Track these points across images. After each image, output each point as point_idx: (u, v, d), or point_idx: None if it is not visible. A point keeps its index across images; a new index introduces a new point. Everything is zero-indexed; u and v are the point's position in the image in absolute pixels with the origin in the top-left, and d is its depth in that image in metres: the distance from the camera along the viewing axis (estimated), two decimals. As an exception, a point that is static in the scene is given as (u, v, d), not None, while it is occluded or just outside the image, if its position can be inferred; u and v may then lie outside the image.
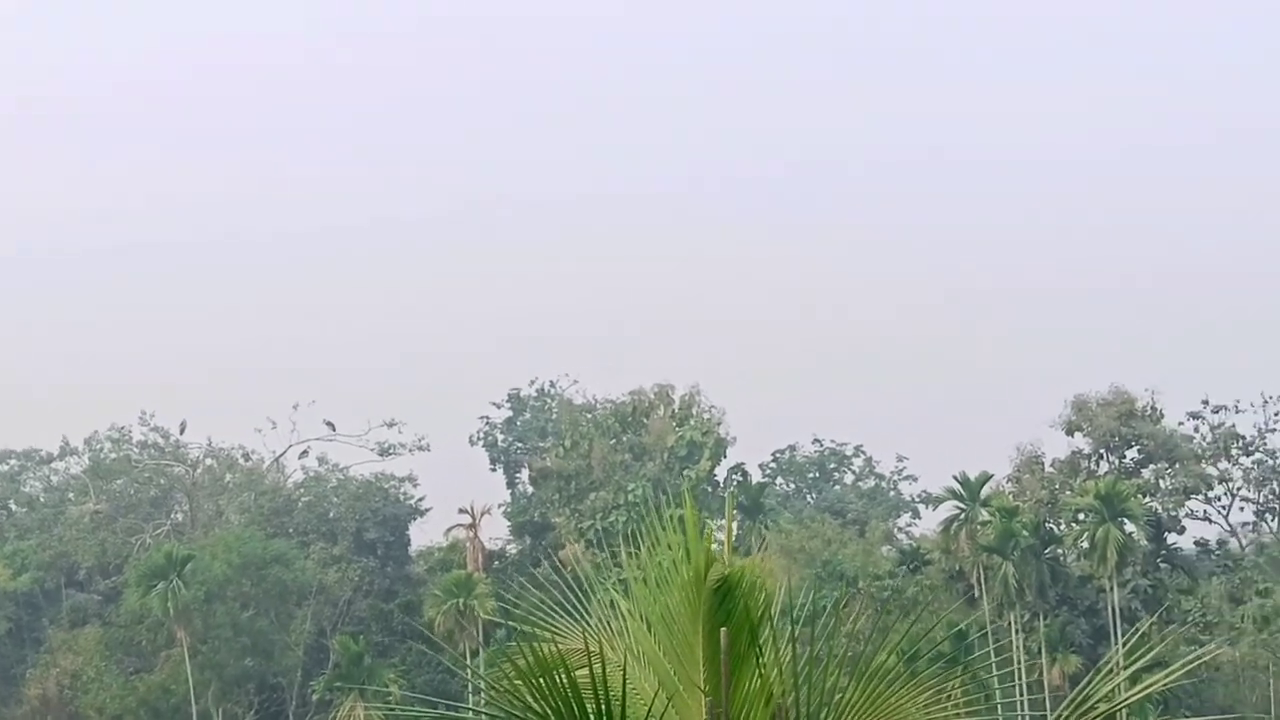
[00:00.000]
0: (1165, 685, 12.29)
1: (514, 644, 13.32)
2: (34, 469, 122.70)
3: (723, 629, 12.95)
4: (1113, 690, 12.16)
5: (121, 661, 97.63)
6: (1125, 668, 12.30)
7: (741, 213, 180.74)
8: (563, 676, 11.94)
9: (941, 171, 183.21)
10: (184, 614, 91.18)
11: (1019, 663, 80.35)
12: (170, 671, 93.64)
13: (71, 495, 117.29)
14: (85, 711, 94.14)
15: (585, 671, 12.45)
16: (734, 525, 13.85)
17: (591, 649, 14.58)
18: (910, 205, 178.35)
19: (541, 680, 11.78)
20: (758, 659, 13.26)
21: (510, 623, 15.31)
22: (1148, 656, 12.93)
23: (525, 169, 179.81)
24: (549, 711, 11.67)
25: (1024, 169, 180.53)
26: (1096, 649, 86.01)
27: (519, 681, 12.37)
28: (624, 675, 12.62)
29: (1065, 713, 12.25)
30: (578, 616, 14.61)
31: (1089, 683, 12.25)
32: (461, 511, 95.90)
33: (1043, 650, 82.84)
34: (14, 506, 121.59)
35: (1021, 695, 78.91)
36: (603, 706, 12.02)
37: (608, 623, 14.41)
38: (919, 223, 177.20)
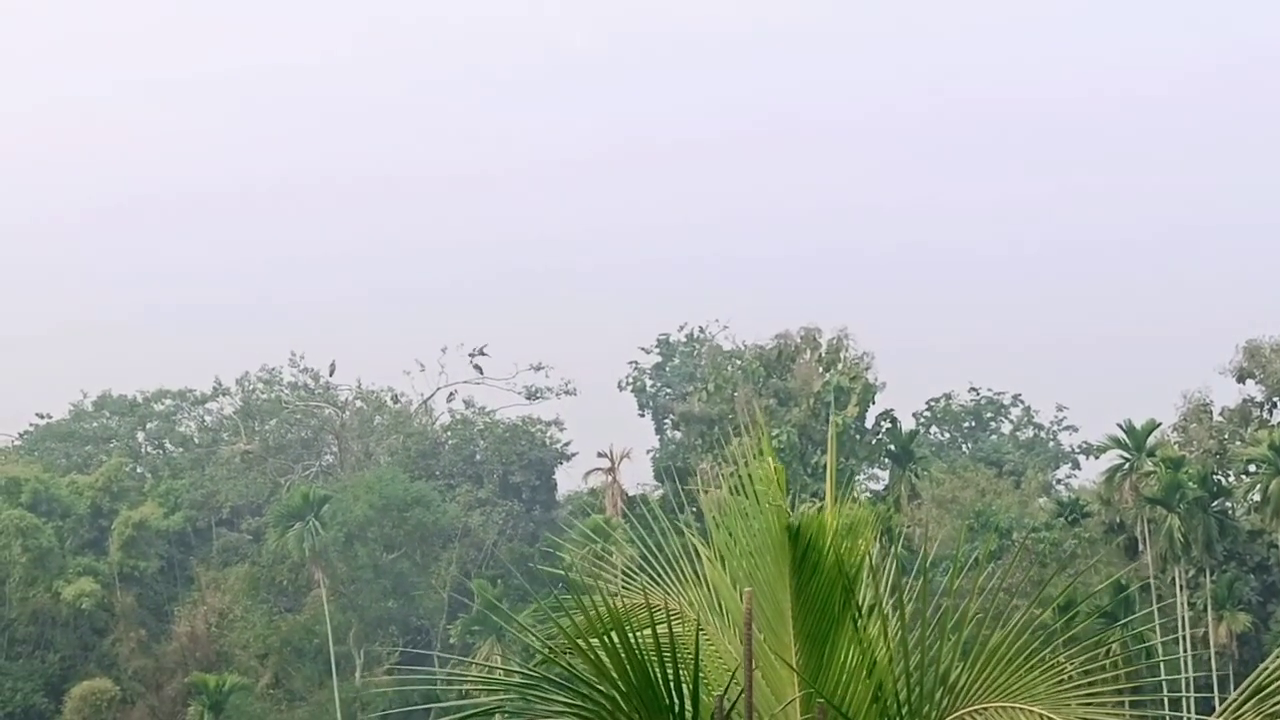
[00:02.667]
0: None
1: (569, 596, 11.37)
2: (188, 409, 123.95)
3: (747, 590, 10.68)
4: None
5: (268, 601, 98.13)
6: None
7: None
8: (616, 637, 9.96)
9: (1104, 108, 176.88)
10: (322, 555, 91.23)
11: (1183, 620, 76.96)
12: (314, 612, 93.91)
13: (225, 435, 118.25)
14: (231, 649, 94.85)
15: (662, 630, 10.75)
16: (837, 468, 11.76)
17: (668, 606, 12.67)
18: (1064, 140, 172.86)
19: (601, 640, 10.01)
20: (855, 622, 11.06)
21: (601, 575, 13.41)
22: None
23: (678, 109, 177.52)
24: (604, 675, 9.99)
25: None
26: (1266, 607, 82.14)
27: (579, 641, 10.31)
28: (696, 636, 10.52)
29: (1240, 699, 10.10)
30: (658, 569, 12.68)
31: (1270, 665, 10.03)
32: (601, 455, 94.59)
33: (1209, 607, 79.14)
34: (169, 446, 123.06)
35: (1186, 654, 75.53)
36: (669, 672, 9.94)
37: (695, 578, 12.43)
38: (1076, 159, 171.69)
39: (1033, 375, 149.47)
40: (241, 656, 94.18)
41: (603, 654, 9.90)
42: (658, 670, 9.84)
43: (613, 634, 9.89)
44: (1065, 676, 10.83)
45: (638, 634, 10.16)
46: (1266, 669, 10.16)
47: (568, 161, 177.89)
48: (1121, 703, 11.04)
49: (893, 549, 12.03)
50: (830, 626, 11.03)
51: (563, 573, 13.81)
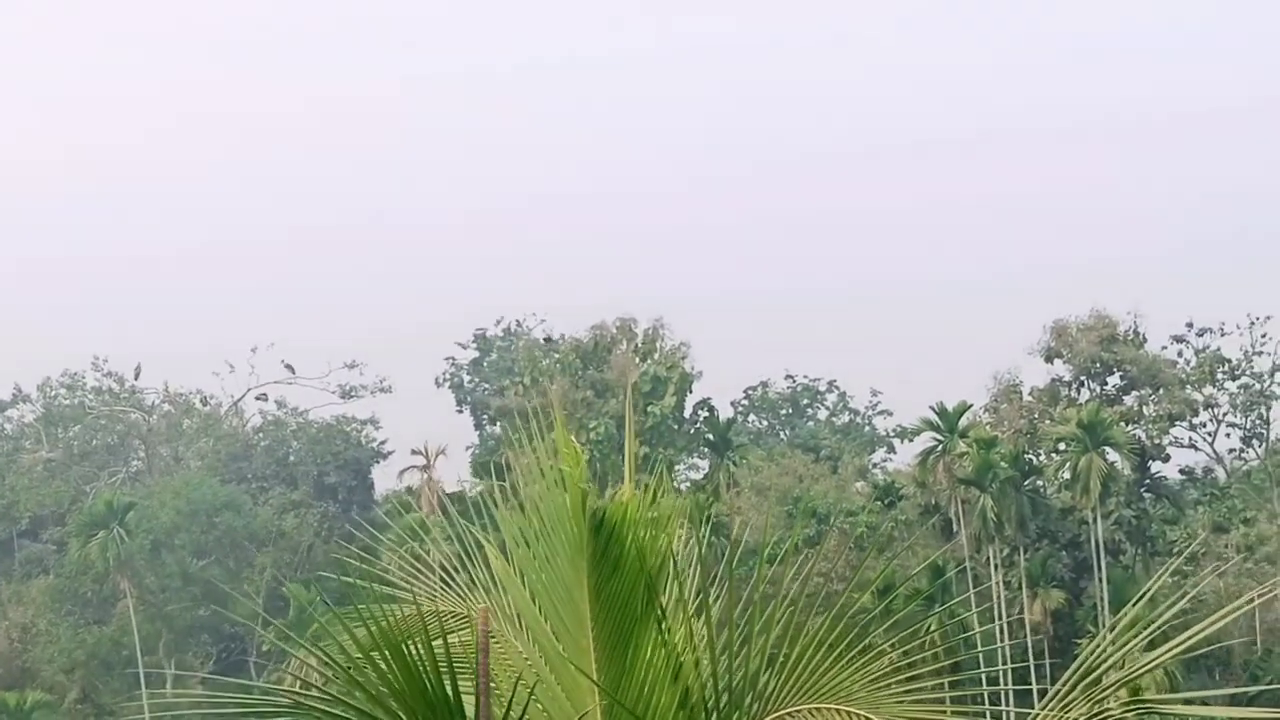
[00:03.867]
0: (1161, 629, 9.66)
1: (353, 607, 10.39)
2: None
3: (481, 607, 9.85)
4: (1115, 663, 9.46)
5: (73, 613, 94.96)
6: (1123, 630, 9.61)
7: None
8: (391, 652, 8.95)
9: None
10: (128, 564, 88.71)
11: (999, 599, 78.06)
12: (121, 623, 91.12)
13: (26, 444, 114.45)
14: (36, 665, 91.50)
15: (452, 640, 10.25)
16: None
17: (456, 611, 11.84)
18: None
19: (382, 653, 9.00)
20: (659, 623, 10.23)
21: (392, 581, 12.44)
22: (1162, 615, 10.17)
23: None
24: (369, 695, 8.98)
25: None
26: (1079, 583, 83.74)
27: (358, 656, 9.24)
28: (477, 646, 9.57)
29: (1064, 690, 9.49)
30: (456, 572, 11.79)
31: (1094, 650, 9.47)
32: (415, 453, 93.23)
33: (1023, 585, 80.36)
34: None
35: (1002, 632, 76.61)
36: (446, 687, 8.91)
37: (493, 581, 11.53)
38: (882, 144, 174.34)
39: (847, 361, 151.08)
40: (47, 672, 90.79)
41: (376, 668, 8.94)
42: (434, 683, 8.83)
43: (400, 646, 8.92)
44: (883, 667, 10.17)
45: (417, 645, 9.13)
46: (1093, 652, 9.66)
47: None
48: (941, 684, 10.45)
49: (699, 539, 11.18)
50: (632, 627, 10.18)
51: (347, 578, 12.73)
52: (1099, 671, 9.52)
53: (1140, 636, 9.50)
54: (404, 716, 8.93)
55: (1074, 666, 9.63)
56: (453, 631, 11.09)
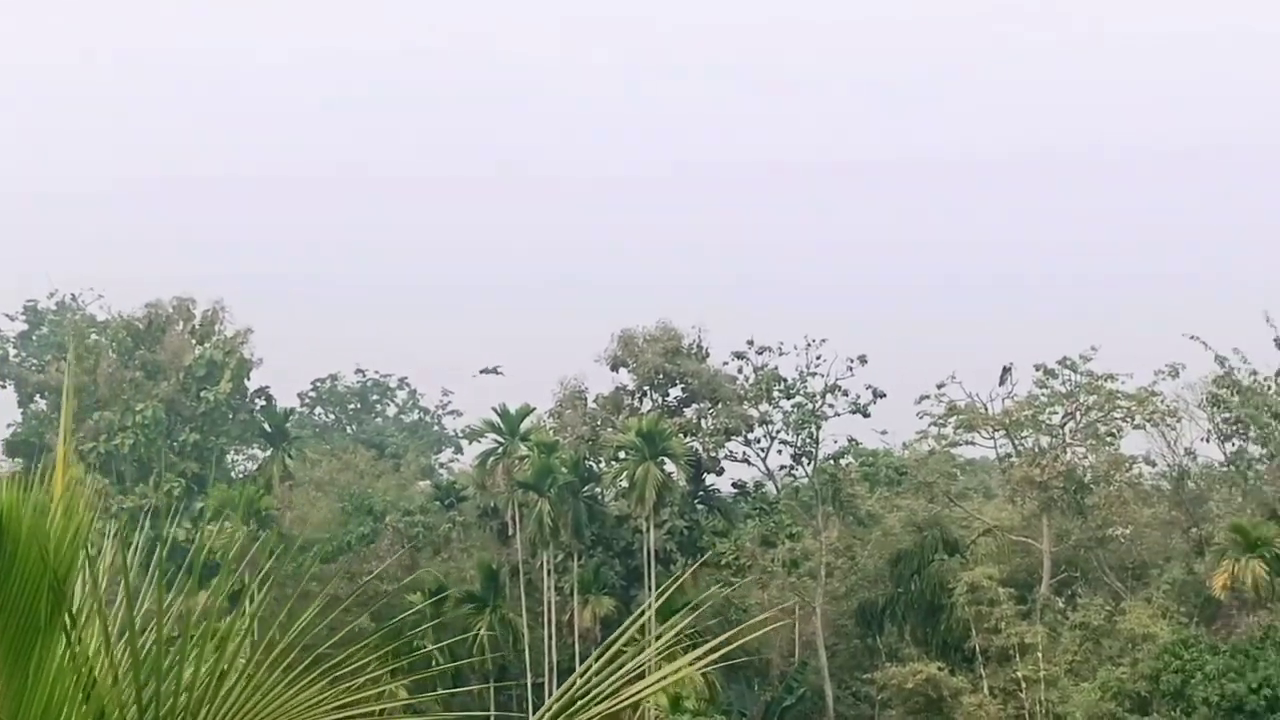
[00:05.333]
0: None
1: None
2: None
3: None
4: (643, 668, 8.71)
5: None
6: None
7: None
8: None
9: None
10: None
11: (550, 604, 78.07)
12: None
13: None
14: None
15: None
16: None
17: None
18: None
19: None
20: (68, 633, 8.61)
21: None
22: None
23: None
24: None
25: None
26: (629, 590, 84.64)
27: None
28: None
29: (551, 712, 8.47)
30: None
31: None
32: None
33: (575, 592, 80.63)
34: None
35: (550, 638, 76.63)
36: None
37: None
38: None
39: (424, 363, 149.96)
40: None
41: None
42: None
43: None
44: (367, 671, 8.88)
45: None
46: (573, 683, 8.70)
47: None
48: (482, 690, 9.12)
49: (111, 532, 9.59)
50: (35, 637, 8.48)
51: None
52: (581, 701, 8.57)
53: (656, 645, 8.70)
54: None
55: (559, 691, 8.69)
56: None
